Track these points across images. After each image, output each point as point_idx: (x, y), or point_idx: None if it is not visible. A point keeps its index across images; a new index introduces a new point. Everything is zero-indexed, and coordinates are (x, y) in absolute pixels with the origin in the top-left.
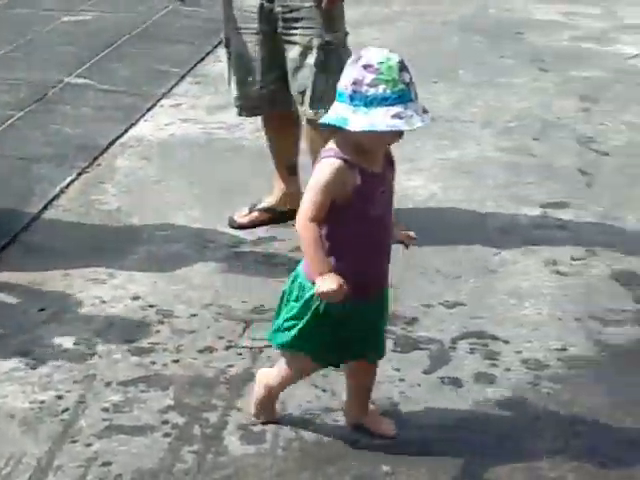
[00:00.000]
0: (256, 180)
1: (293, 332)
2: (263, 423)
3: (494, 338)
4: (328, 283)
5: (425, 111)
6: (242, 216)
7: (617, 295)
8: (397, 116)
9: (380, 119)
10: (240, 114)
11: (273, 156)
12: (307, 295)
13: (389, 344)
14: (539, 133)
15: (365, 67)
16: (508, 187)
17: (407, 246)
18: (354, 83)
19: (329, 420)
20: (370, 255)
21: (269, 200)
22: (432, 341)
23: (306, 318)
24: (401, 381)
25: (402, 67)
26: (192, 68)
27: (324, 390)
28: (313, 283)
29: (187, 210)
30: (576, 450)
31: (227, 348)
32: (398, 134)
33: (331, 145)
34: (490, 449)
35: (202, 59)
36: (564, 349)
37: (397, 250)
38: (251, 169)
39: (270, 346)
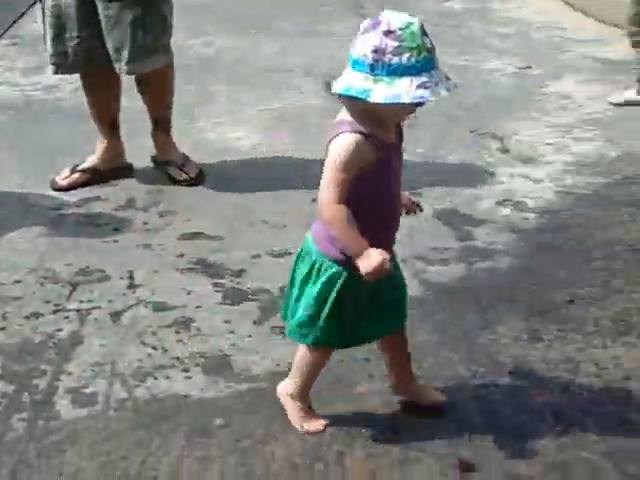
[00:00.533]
0: (77, 141)
1: (321, 324)
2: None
3: None
4: (372, 260)
5: (448, 78)
6: (64, 178)
7: (440, 234)
8: (422, 86)
9: (405, 90)
10: (56, 72)
11: (94, 115)
12: (330, 272)
13: (217, 297)
14: None
15: (386, 34)
16: None
17: (415, 212)
18: (375, 51)
19: (161, 377)
20: (391, 224)
21: (91, 160)
22: (261, 291)
23: (331, 300)
24: (231, 333)
25: (423, 32)
26: (7, 29)
27: (155, 348)
28: (342, 261)
29: (7, 175)
30: None
31: (54, 312)
32: (418, 103)
33: (344, 116)
34: (324, 393)
35: (17, 19)
36: None
37: (224, 200)
38: (72, 130)
39: (98, 308)
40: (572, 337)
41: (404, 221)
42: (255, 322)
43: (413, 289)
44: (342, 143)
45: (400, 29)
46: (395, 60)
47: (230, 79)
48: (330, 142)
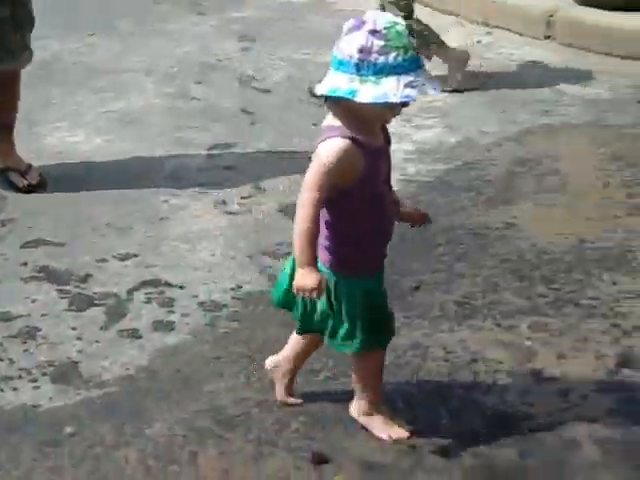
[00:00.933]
0: None
1: (360, 330)
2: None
3: (169, 285)
4: (311, 279)
5: (432, 77)
6: None
7: (286, 229)
8: (409, 85)
9: (392, 89)
10: None
11: None
12: (353, 289)
13: (63, 304)
14: (200, 76)
15: (372, 33)
16: (174, 133)
17: (425, 224)
18: (361, 51)
19: (8, 389)
20: (385, 230)
21: None
22: (108, 295)
23: (362, 307)
24: (79, 340)
25: (408, 32)
26: None
27: (0, 359)
28: (342, 272)
29: None
30: (258, 384)
31: None
32: (403, 104)
33: (332, 121)
34: (174, 393)
35: None
36: (239, 287)
37: (66, 205)
38: None
39: None
40: (419, 323)
41: (251, 218)
42: (102, 327)
43: (261, 284)
44: (331, 147)
45: (386, 28)
46: (381, 59)
47: (68, 82)
48: (318, 146)
